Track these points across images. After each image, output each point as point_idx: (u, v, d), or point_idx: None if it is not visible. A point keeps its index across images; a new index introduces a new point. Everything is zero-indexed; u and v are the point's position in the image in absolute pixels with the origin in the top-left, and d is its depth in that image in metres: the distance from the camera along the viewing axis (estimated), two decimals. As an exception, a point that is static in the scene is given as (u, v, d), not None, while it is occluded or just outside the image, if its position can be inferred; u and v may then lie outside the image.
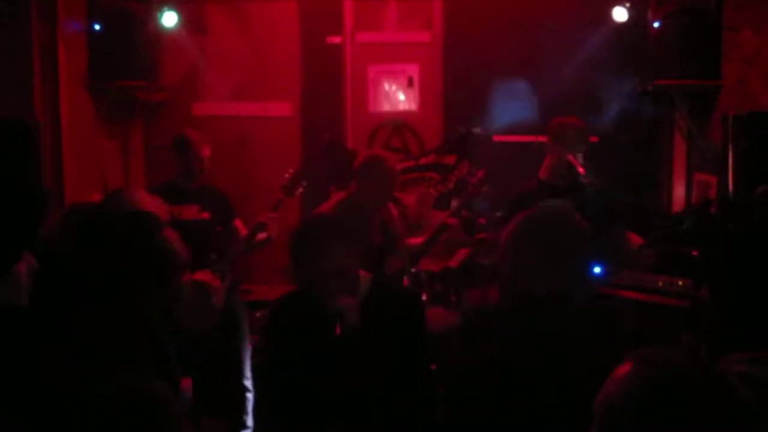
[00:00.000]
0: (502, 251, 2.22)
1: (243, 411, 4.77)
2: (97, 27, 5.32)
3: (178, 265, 1.82)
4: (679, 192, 5.56)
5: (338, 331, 2.59)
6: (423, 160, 5.77)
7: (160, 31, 5.55)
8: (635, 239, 4.31)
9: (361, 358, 2.60)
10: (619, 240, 4.25)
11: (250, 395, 4.79)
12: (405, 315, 2.79)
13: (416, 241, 4.77)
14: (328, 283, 2.63)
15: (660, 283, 4.22)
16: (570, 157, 4.23)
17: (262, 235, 4.63)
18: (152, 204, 2.84)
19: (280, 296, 2.98)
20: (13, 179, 3.66)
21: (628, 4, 5.32)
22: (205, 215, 4.78)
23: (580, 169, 4.18)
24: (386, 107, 6.15)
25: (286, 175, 4.70)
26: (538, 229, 2.21)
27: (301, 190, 4.69)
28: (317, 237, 2.67)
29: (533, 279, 2.12)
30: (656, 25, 5.16)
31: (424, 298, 4.71)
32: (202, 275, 4.50)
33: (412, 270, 4.55)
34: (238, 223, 4.91)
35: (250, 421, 4.79)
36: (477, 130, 5.65)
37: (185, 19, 5.67)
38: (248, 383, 4.80)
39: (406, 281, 4.52)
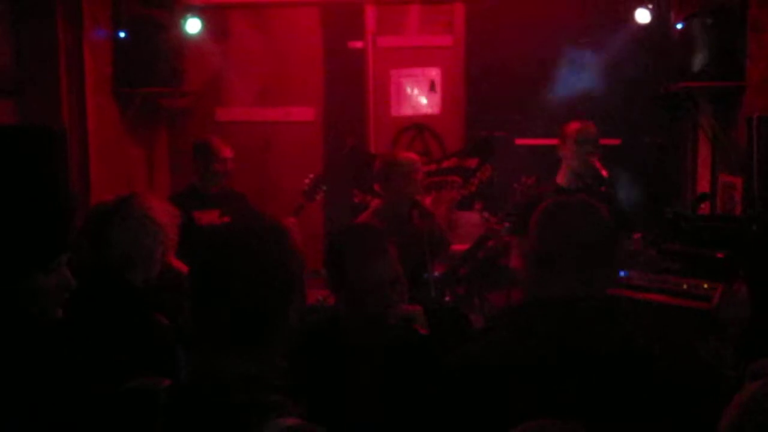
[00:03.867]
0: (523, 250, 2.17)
1: None
2: (122, 34, 5.39)
3: (304, 264, 1.75)
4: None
5: (422, 330, 2.47)
6: (445, 164, 5.77)
7: (184, 37, 5.60)
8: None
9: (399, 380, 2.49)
10: (623, 243, 4.23)
11: None
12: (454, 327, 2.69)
13: (460, 247, 4.78)
14: (384, 293, 2.48)
15: (684, 286, 4.19)
16: (594, 161, 4.22)
17: None
18: (163, 208, 2.86)
19: (314, 321, 2.81)
20: (39, 185, 3.70)
21: (650, 6, 5.30)
22: (226, 221, 4.80)
23: (604, 172, 4.16)
24: (408, 111, 6.16)
25: (307, 181, 4.72)
26: (560, 222, 2.07)
27: (321, 194, 4.70)
28: (369, 246, 2.53)
29: (553, 281, 2.02)
30: (679, 26, 5.12)
31: (447, 299, 4.72)
32: None
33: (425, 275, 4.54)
34: None
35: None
36: (499, 133, 5.64)
37: (208, 26, 5.72)
38: None
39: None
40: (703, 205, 4.75)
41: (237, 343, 1.62)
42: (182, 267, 4.16)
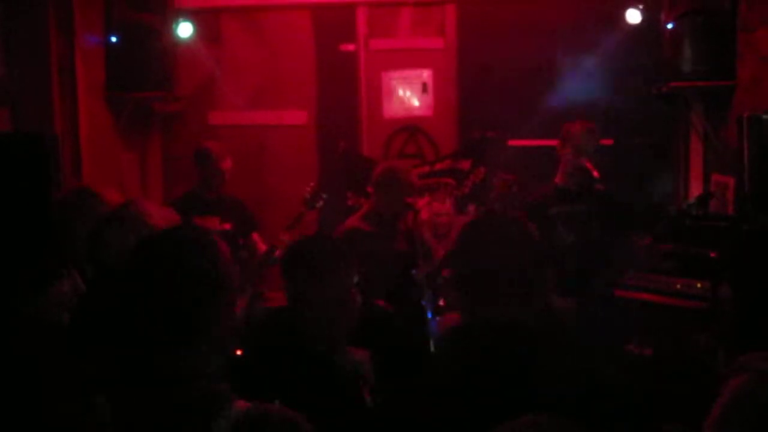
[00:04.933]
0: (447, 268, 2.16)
1: None
2: (114, 39, 5.38)
3: (234, 275, 1.83)
4: (696, 193, 5.53)
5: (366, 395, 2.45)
6: (438, 166, 5.78)
7: (176, 42, 5.60)
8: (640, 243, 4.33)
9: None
10: (628, 247, 4.26)
11: None
12: (399, 337, 2.66)
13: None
14: (329, 311, 2.47)
15: (678, 286, 4.21)
16: (585, 162, 4.24)
17: (278, 253, 4.66)
18: (161, 215, 2.86)
19: (269, 315, 2.83)
20: (31, 193, 3.69)
21: (641, 6, 5.32)
22: (227, 226, 4.82)
23: (595, 173, 4.18)
24: (401, 113, 6.17)
25: (308, 189, 4.74)
26: (480, 242, 2.05)
27: (321, 203, 4.73)
28: (316, 263, 2.51)
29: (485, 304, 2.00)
30: (670, 26, 5.14)
31: (441, 303, 4.73)
32: None
33: (413, 272, 4.58)
34: (255, 236, 4.94)
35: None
36: (492, 134, 5.66)
37: (200, 30, 5.72)
38: None
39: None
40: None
41: (171, 341, 1.71)
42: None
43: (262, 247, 4.80)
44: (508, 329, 1.93)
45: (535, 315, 2.00)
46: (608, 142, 5.50)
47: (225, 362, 1.79)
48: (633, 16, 5.34)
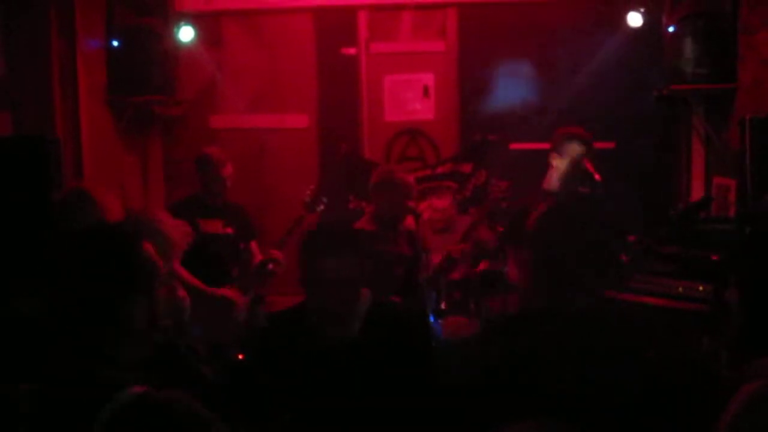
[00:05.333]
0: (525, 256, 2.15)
1: None
2: (115, 43, 5.39)
3: (155, 273, 1.89)
4: (698, 196, 5.52)
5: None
6: (440, 169, 5.79)
7: (177, 45, 5.60)
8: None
9: (359, 374, 2.51)
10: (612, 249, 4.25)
11: None
12: (406, 334, 2.66)
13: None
14: (331, 293, 2.53)
15: (680, 289, 4.20)
16: (587, 164, 4.22)
17: (271, 266, 4.66)
18: (174, 224, 2.88)
19: (277, 312, 2.89)
20: (32, 195, 3.70)
21: (642, 9, 5.32)
22: (229, 230, 4.83)
23: (597, 176, 4.17)
24: (402, 116, 6.17)
25: (308, 192, 4.74)
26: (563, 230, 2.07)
27: (322, 207, 4.73)
28: (326, 244, 2.58)
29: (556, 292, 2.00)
30: (671, 29, 5.14)
31: (443, 306, 4.72)
32: (226, 291, 4.56)
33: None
34: (253, 245, 4.95)
35: None
36: (493, 137, 5.66)
37: (201, 34, 5.72)
38: None
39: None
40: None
41: (83, 330, 1.78)
42: (184, 273, 4.16)
43: (259, 256, 4.82)
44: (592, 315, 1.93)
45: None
46: (610, 144, 5.50)
47: (143, 353, 1.86)
48: (634, 19, 5.33)
